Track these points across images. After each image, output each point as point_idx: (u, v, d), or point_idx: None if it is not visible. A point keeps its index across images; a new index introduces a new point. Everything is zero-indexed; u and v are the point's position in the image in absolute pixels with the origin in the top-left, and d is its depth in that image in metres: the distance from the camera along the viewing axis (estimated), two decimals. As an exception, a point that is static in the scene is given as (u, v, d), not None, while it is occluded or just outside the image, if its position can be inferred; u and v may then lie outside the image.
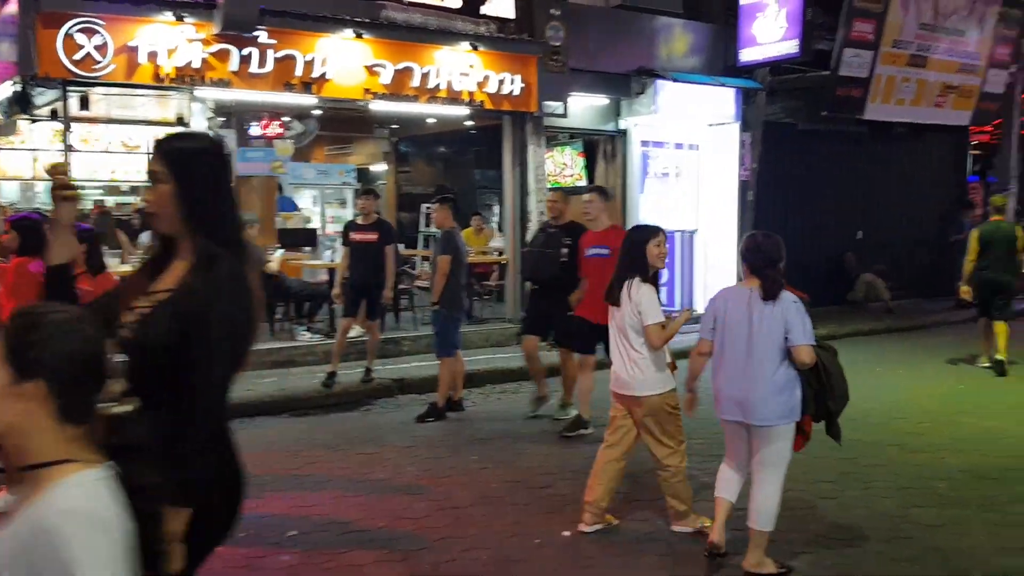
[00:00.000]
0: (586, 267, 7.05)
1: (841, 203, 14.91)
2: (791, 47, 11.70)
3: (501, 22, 10.64)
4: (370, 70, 9.59)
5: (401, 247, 11.82)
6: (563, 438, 7.08)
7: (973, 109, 14.82)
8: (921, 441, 6.79)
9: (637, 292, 4.83)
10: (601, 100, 11.88)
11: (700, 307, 12.63)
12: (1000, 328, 9.46)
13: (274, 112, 12.01)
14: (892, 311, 13.87)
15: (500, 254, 12.43)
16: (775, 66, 12.49)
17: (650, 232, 4.99)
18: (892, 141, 15.16)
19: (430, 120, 13.16)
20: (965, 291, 9.73)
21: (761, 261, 4.39)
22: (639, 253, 4.90)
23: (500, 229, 15.38)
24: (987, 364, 9.64)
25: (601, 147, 12.79)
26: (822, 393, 4.32)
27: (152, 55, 8.50)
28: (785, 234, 14.19)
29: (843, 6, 12.24)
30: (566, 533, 5.00)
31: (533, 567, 4.54)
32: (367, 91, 9.62)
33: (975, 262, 9.57)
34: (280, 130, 12.22)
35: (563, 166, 13.26)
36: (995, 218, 9.99)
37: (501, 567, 4.53)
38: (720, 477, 4.62)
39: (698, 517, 4.98)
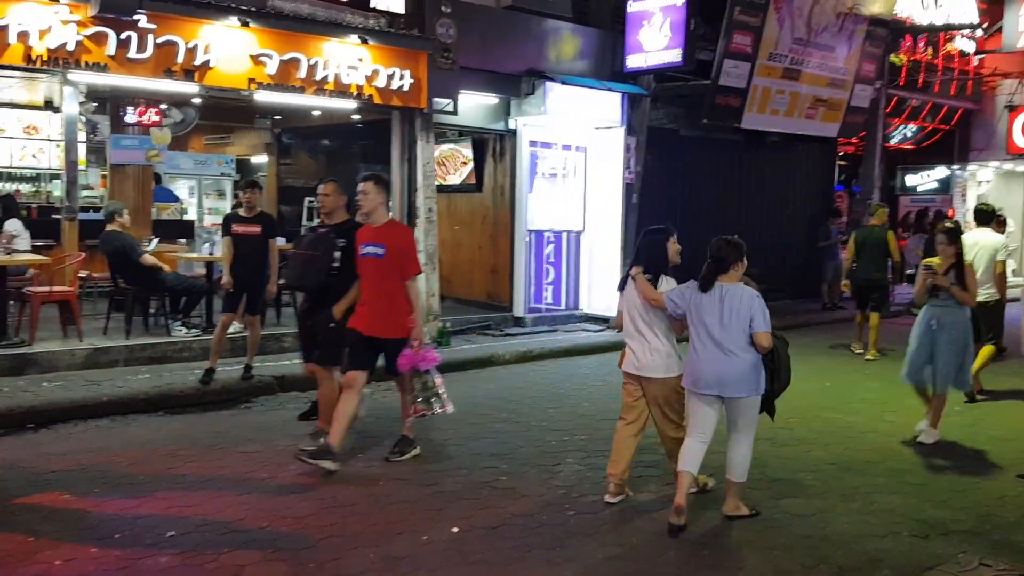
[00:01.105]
0: (360, 269, 6.23)
1: (719, 208, 15.47)
2: (674, 56, 12.08)
3: (391, 17, 10.58)
4: (255, 60, 9.37)
5: (282, 241, 11.62)
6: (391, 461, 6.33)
7: (841, 122, 15.61)
8: (790, 436, 7.15)
9: (666, 284, 5.47)
10: (491, 99, 11.98)
11: (585, 307, 12.97)
12: (873, 318, 11.08)
13: (151, 99, 11.58)
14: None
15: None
16: (659, 73, 12.85)
17: (667, 232, 5.58)
18: (766, 150, 15.84)
19: (315, 112, 12.97)
20: (845, 285, 11.57)
21: (728, 260, 5.28)
22: (662, 252, 5.54)
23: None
24: (860, 350, 11.36)
25: (490, 146, 12.89)
26: (769, 375, 5.24)
27: (23, 35, 8.06)
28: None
29: (724, 18, 12.71)
30: (455, 530, 5.04)
31: (422, 564, 4.56)
32: (252, 81, 9.39)
33: (852, 261, 11.24)
34: (157, 118, 11.78)
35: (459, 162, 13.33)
36: (872, 223, 11.53)
37: (389, 565, 4.54)
38: (685, 453, 5.23)
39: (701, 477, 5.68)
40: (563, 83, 11.79)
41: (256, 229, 8.34)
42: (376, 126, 12.23)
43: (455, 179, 13.41)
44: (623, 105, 12.48)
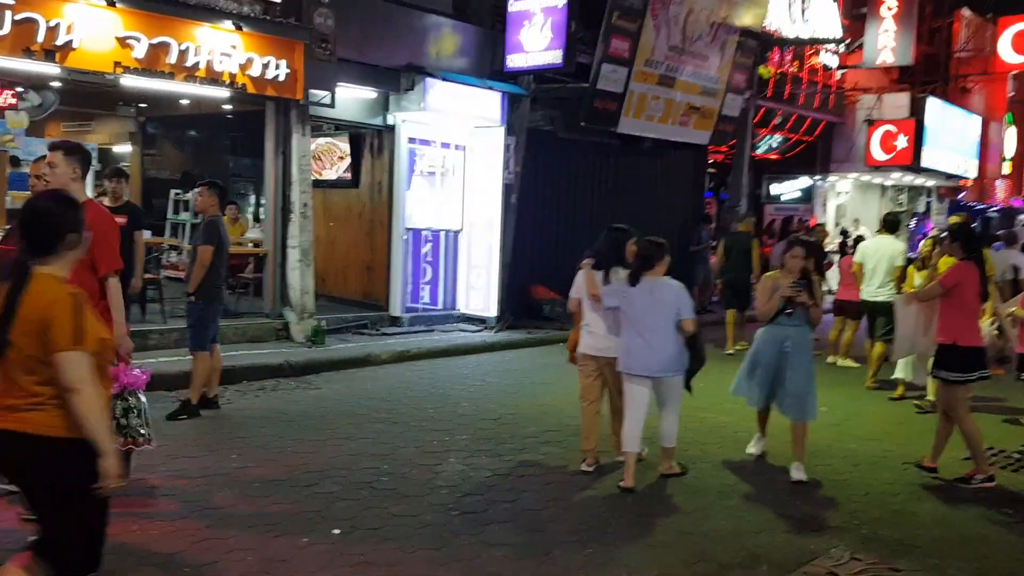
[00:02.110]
0: None
1: (596, 210, 15.79)
2: (555, 57, 12.26)
3: (267, 4, 10.33)
4: (122, 42, 8.96)
5: (148, 234, 11.17)
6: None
7: (713, 130, 16.23)
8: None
9: (616, 276, 6.24)
10: (370, 93, 11.85)
11: (462, 307, 13.00)
12: (731, 316, 12.25)
13: (7, 80, 10.89)
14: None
15: (256, 246, 12.08)
16: (539, 74, 13.02)
17: (630, 234, 6.43)
18: (641, 154, 16.28)
19: (183, 101, 12.50)
20: (719, 285, 12.75)
21: (654, 258, 6.11)
22: (619, 248, 6.34)
23: (256, 220, 14.92)
24: (731, 351, 11.89)
25: (368, 141, 12.76)
26: (691, 356, 6.18)
27: None
28: (545, 238, 14.88)
29: (603, 23, 12.99)
30: (336, 531, 4.97)
31: (301, 567, 4.48)
32: (118, 64, 8.97)
33: (722, 264, 12.42)
34: (13, 100, 11.09)
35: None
36: (740, 229, 12.93)
37: (267, 567, 4.43)
38: (627, 436, 6.09)
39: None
40: (443, 80, 11.79)
41: (122, 220, 7.96)
42: (248, 117, 11.92)
43: (331, 174, 13.21)
44: (503, 105, 12.58)
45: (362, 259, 12.94)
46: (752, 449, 7.00)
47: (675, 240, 16.95)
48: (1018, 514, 5.93)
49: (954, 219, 10.04)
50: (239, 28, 9.84)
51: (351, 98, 11.66)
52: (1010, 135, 29.33)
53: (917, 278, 8.93)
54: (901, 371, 9.16)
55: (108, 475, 3.03)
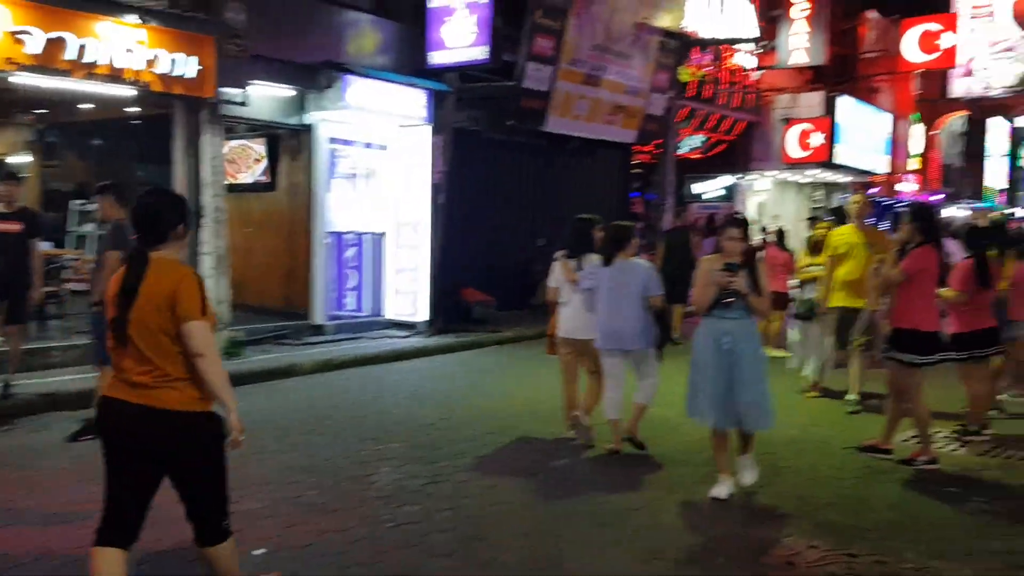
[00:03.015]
0: None
1: (525, 210, 15.61)
2: (481, 53, 11.97)
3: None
4: (13, 37, 8.30)
5: (48, 245, 10.50)
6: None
7: (639, 129, 16.16)
8: (608, 432, 7.08)
9: (589, 261, 6.68)
10: (287, 91, 11.35)
11: (390, 312, 12.57)
12: (678, 310, 12.17)
13: None
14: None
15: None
16: (464, 72, 12.72)
17: (594, 222, 6.93)
18: (569, 154, 16.12)
19: (85, 105, 11.80)
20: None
21: (623, 239, 6.58)
22: (587, 237, 6.83)
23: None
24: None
25: (286, 142, 12.25)
26: (661, 328, 6.64)
27: None
28: (474, 239, 14.62)
29: (525, 21, 12.76)
30: (259, 551, 4.54)
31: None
32: (10, 61, 8.32)
33: (663, 260, 12.30)
34: None
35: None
36: (678, 223, 13.52)
37: (185, 594, 3.99)
38: (608, 404, 6.58)
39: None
40: (364, 77, 11.38)
41: (16, 226, 7.39)
42: (156, 121, 11.24)
43: (247, 178, 12.64)
44: (428, 103, 12.22)
45: (281, 266, 12.40)
46: (718, 492, 5.56)
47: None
48: (964, 492, 5.88)
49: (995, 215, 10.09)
50: (144, 22, 9.27)
51: (267, 97, 11.16)
52: (917, 132, 30.26)
53: (807, 261, 9.15)
54: (809, 369, 9.14)
55: (235, 428, 3.42)
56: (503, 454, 6.61)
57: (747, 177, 23.26)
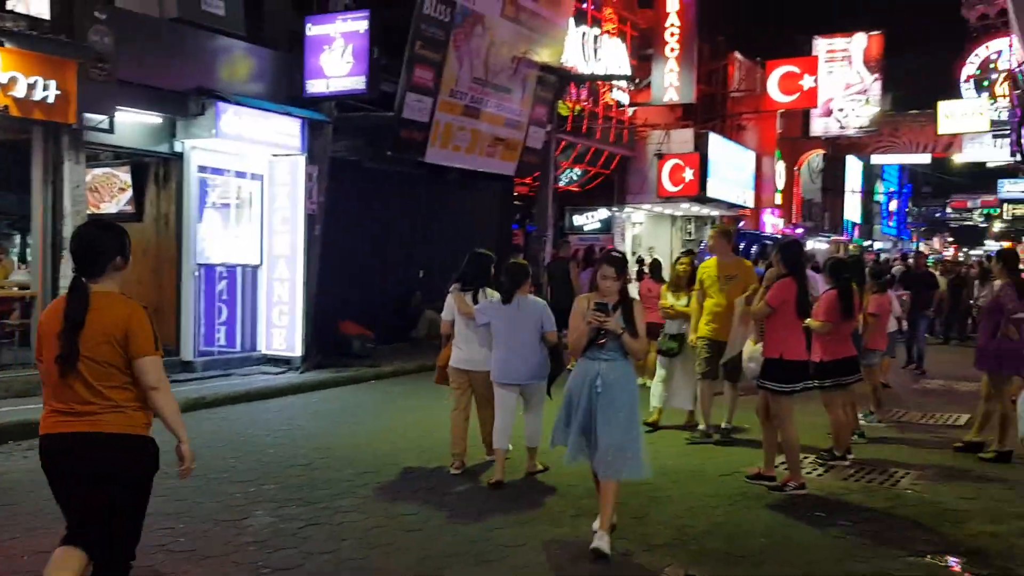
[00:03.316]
0: None
1: (405, 242, 15.49)
2: (358, 83, 11.87)
3: (34, 20, 9.30)
4: None
5: None
6: None
7: (518, 161, 16.34)
8: (488, 463, 7.05)
9: (484, 296, 6.99)
10: (155, 118, 10.94)
11: (263, 347, 12.19)
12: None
13: None
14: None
15: (22, 289, 10.78)
16: (342, 102, 12.57)
17: (492, 258, 7.33)
18: (449, 185, 16.13)
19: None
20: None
21: (519, 279, 6.86)
22: (485, 271, 7.17)
23: (22, 261, 13.45)
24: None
25: (153, 170, 11.79)
26: (552, 362, 6.91)
27: None
28: (353, 271, 14.42)
29: (405, 52, 12.75)
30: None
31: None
32: None
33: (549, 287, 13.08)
34: None
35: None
36: (561, 254, 14.19)
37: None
38: (498, 434, 6.77)
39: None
40: (237, 104, 11.09)
41: None
42: (15, 147, 10.66)
43: (111, 207, 12.07)
44: (303, 132, 12.01)
45: (147, 299, 11.76)
46: (598, 544, 5.08)
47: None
48: (830, 516, 6.07)
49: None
50: (1, 44, 8.79)
51: (134, 123, 10.72)
52: (780, 168, 31.78)
53: (671, 298, 8.98)
54: (656, 399, 9.01)
55: (188, 457, 3.67)
56: (384, 492, 6.46)
57: (624, 210, 23.85)
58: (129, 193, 11.94)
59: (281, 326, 12.14)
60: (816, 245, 34.43)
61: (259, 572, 4.78)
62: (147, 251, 11.88)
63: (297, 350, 12.05)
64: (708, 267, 8.44)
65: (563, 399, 5.51)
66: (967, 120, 32.64)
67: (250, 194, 12.13)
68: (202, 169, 11.45)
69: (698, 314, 8.42)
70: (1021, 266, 8.52)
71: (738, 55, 27.93)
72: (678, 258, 9.83)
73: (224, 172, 11.77)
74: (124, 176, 11.94)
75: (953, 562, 5.22)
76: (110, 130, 9.94)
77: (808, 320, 7.05)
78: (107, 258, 3.57)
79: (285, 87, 12.21)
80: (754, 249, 24.39)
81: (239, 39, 11.80)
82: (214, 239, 11.63)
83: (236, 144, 11.42)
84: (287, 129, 11.85)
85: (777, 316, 6.64)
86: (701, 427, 8.48)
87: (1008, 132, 29.14)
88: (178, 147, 11.29)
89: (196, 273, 11.40)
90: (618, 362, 5.33)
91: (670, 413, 9.12)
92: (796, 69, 28.16)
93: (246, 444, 8.01)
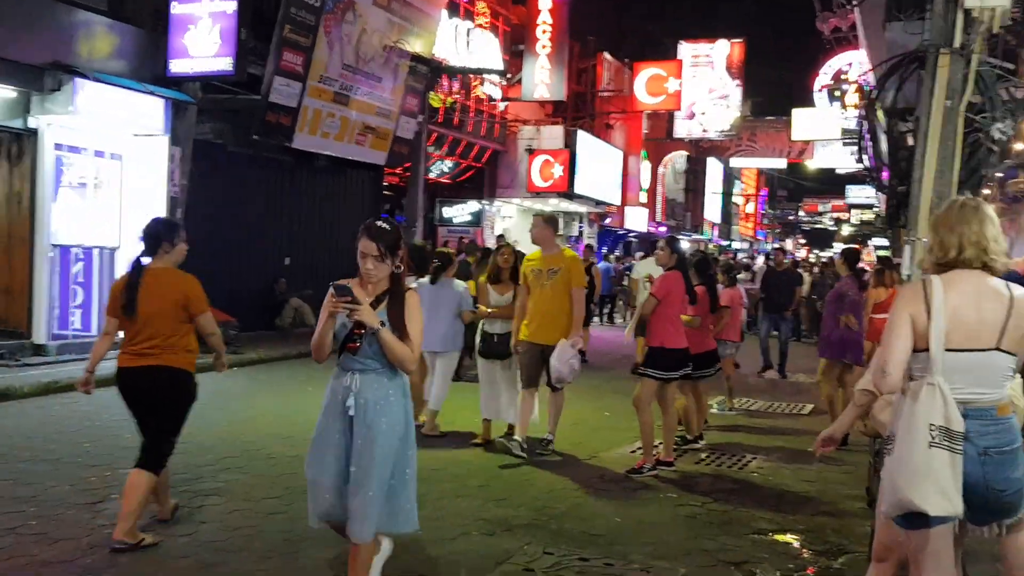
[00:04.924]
0: None
1: (271, 229, 15.25)
2: (224, 64, 11.63)
3: None
4: None
5: None
6: None
7: (388, 151, 16.33)
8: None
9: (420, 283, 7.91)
10: (7, 92, 10.41)
11: (122, 331, 11.73)
12: None
13: None
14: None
15: None
16: (207, 83, 12.29)
17: (428, 249, 8.47)
18: (317, 172, 15.97)
19: None
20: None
21: (445, 264, 8.10)
22: (426, 262, 8.35)
23: None
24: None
25: (6, 146, 11.20)
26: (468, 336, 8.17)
27: None
28: (216, 257, 14.12)
29: (274, 35, 12.56)
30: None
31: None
32: None
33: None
34: None
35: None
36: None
37: None
38: (426, 393, 8.05)
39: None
40: (97, 81, 10.68)
41: None
42: None
43: (-44, 184, 11.42)
44: (167, 112, 11.70)
45: (-3, 280, 11.30)
46: None
47: (354, 260, 16.77)
48: (681, 497, 6.43)
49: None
50: None
51: (-18, 96, 10.20)
52: (646, 168, 32.80)
53: (493, 295, 8.00)
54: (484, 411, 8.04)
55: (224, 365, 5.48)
56: (246, 478, 6.43)
57: (494, 203, 24.10)
58: (-25, 169, 11.31)
59: (141, 311, 11.76)
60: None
61: (113, 555, 4.70)
62: (-3, 230, 11.32)
63: (156, 336, 11.69)
64: (531, 260, 7.53)
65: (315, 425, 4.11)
66: (819, 127, 34.43)
67: (109, 174, 11.70)
68: (58, 147, 10.99)
69: (520, 313, 7.47)
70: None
71: (607, 55, 28.65)
72: (498, 247, 8.92)
73: (82, 151, 11.31)
74: (-30, 151, 11.30)
75: (793, 539, 5.64)
76: (-44, 102, 9.43)
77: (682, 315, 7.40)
78: (160, 242, 5.05)
79: (149, 66, 11.84)
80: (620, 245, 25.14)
81: (100, 14, 11.37)
82: (70, 219, 11.17)
83: (95, 122, 11.04)
84: (149, 109, 11.53)
85: (661, 307, 6.96)
86: (517, 437, 7.30)
87: (856, 140, 30.97)
88: (32, 123, 10.79)
89: (50, 254, 10.94)
90: (379, 374, 3.93)
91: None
92: (662, 72, 29.09)
93: (102, 429, 7.78)
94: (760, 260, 21.02)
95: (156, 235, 5.07)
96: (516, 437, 7.30)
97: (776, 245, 45.01)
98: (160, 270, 5.00)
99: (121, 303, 4.91)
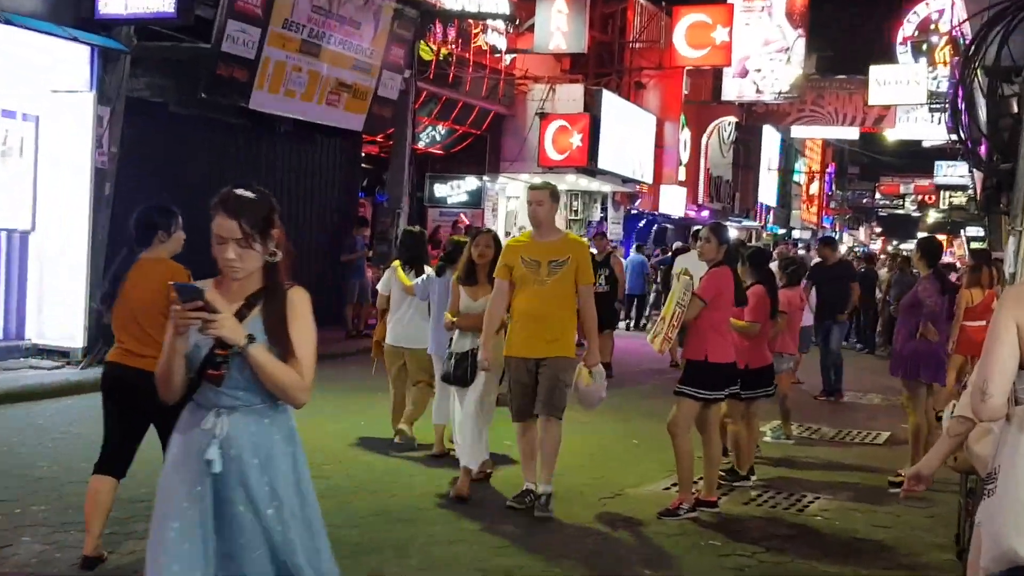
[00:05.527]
0: None
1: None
2: (165, 4, 11.63)
3: None
4: None
5: None
6: None
7: (367, 113, 16.36)
8: (326, 485, 7.09)
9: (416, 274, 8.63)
10: None
11: (34, 335, 11.85)
12: None
13: None
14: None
15: None
16: (144, 28, 12.32)
17: (424, 234, 9.24)
18: (279, 139, 16.01)
19: None
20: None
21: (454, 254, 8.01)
22: (423, 250, 9.12)
23: None
24: None
25: None
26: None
27: None
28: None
29: (228, -31, 12.61)
30: None
31: None
32: None
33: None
34: None
35: None
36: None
37: None
38: (436, 410, 8.23)
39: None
40: (4, 24, 10.72)
41: None
42: None
43: None
44: (93, 63, 11.78)
45: None
46: None
47: (326, 247, 16.82)
48: (726, 546, 6.41)
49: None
50: None
51: None
52: (685, 138, 32.52)
53: (465, 298, 7.34)
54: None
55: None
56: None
57: (498, 180, 23.99)
58: None
59: (60, 308, 11.82)
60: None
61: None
62: None
63: (78, 340, 11.77)
64: (518, 246, 7.01)
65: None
66: (902, 90, 34.11)
67: (21, 140, 11.79)
68: (-42, 105, 11.08)
69: (492, 319, 6.91)
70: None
71: (641, -4, 28.47)
72: (474, 235, 7.82)
73: (-14, 110, 11.41)
74: None
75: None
76: None
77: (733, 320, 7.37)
78: (154, 232, 5.57)
79: (71, 5, 11.87)
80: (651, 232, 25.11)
81: (10, -61, 11.41)
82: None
83: (2, 75, 11.14)
84: (71, 58, 11.65)
85: (708, 312, 6.90)
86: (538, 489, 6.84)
87: (947, 106, 30.69)
88: (-76, 74, 10.87)
89: (-54, 238, 11.01)
90: (256, 412, 3.39)
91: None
92: (707, 19, 28.86)
93: (9, 457, 7.88)
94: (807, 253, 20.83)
95: (151, 223, 5.58)
96: (536, 489, 6.77)
97: (828, 234, 44.79)
98: (150, 261, 5.54)
99: (102, 293, 5.50)
